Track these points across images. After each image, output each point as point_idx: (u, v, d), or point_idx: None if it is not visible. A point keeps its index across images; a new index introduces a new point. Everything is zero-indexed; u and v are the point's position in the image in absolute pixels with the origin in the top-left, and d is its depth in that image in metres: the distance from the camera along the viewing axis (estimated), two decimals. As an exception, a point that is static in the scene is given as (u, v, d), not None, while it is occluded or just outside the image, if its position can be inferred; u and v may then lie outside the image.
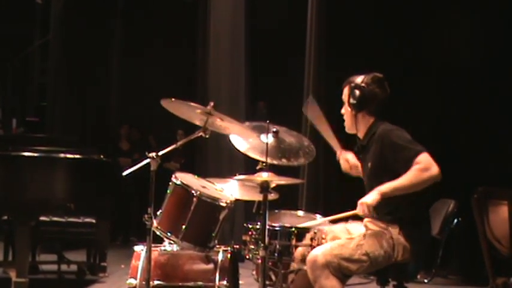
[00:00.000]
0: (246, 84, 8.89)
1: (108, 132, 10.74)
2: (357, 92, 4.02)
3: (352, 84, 4.05)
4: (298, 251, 4.08)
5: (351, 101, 4.05)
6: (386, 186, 3.79)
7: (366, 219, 4.06)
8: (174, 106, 4.24)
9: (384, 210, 3.88)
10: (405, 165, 3.78)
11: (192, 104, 4.18)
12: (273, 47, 9.25)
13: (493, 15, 7.78)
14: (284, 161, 4.37)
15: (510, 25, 7.62)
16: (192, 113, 4.25)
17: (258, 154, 4.33)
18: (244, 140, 4.42)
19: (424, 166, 3.74)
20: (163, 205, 4.27)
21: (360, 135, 4.11)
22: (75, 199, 5.62)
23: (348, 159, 4.30)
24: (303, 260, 4.00)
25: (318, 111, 4.39)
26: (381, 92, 4.03)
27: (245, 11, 8.90)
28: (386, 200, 3.80)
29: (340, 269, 3.80)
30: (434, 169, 3.75)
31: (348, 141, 4.32)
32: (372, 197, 3.79)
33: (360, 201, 3.85)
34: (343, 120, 4.16)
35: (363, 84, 4.02)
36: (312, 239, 3.99)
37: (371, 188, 3.95)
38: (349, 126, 4.14)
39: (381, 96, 4.03)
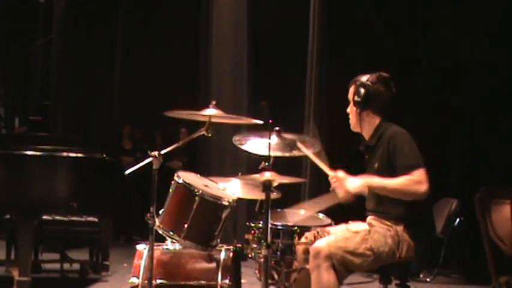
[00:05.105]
0: (249, 84, 8.89)
1: (111, 131, 10.73)
2: (362, 90, 4.04)
3: (358, 83, 4.08)
4: (300, 249, 4.08)
5: (356, 98, 4.07)
6: (375, 181, 3.87)
7: (369, 218, 4.08)
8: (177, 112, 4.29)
9: (388, 210, 3.93)
10: (402, 172, 3.84)
11: (194, 112, 4.23)
12: (275, 46, 9.24)
13: (494, 14, 7.77)
14: (286, 153, 4.38)
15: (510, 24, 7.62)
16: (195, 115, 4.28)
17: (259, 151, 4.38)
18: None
19: (417, 180, 3.80)
20: (166, 204, 4.27)
21: (365, 134, 4.13)
22: (78, 198, 5.62)
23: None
24: (306, 258, 4.00)
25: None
26: (386, 91, 4.06)
27: (247, 11, 8.90)
28: (390, 199, 3.88)
29: (343, 262, 3.80)
30: (424, 187, 3.80)
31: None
32: (356, 185, 3.86)
33: (342, 183, 3.89)
34: (348, 119, 4.18)
35: (368, 83, 4.04)
36: (315, 238, 3.99)
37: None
38: (353, 125, 4.16)
39: (385, 95, 4.06)
